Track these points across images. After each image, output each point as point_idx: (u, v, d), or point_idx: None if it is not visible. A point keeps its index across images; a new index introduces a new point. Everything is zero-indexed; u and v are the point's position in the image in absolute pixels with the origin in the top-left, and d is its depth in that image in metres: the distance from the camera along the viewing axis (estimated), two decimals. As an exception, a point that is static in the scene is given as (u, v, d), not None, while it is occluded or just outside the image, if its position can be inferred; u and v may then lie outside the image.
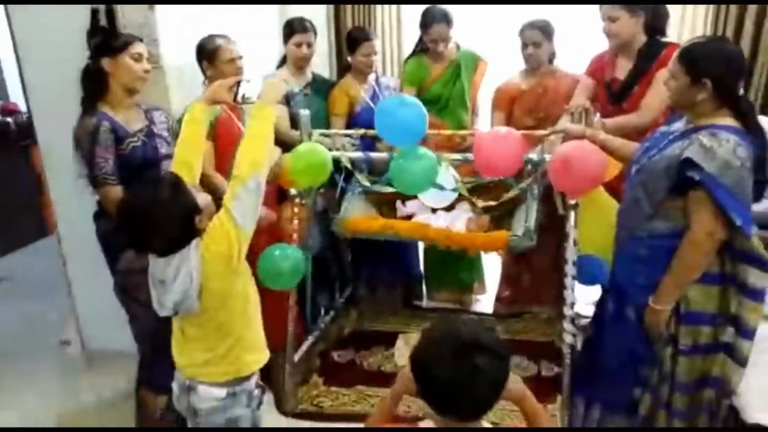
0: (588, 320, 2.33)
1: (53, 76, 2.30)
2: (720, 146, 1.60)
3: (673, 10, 2.83)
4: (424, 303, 3.33)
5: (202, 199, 1.57)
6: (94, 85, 2.01)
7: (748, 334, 1.73)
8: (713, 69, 1.63)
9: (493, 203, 2.44)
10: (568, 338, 2.22)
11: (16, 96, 4.90)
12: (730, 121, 1.66)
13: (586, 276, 2.26)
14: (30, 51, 2.54)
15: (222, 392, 1.55)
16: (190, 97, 2.39)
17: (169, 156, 2.11)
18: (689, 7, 3.13)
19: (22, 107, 4.72)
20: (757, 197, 1.75)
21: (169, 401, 2.19)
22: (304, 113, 2.43)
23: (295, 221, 2.42)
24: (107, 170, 1.96)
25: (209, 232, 1.51)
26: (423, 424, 1.24)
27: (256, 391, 1.67)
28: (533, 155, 2.28)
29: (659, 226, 1.78)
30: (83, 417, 2.58)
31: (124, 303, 2.10)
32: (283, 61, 2.88)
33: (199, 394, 1.55)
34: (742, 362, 1.75)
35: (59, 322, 3.20)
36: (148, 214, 1.44)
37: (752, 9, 3.01)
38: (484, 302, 3.32)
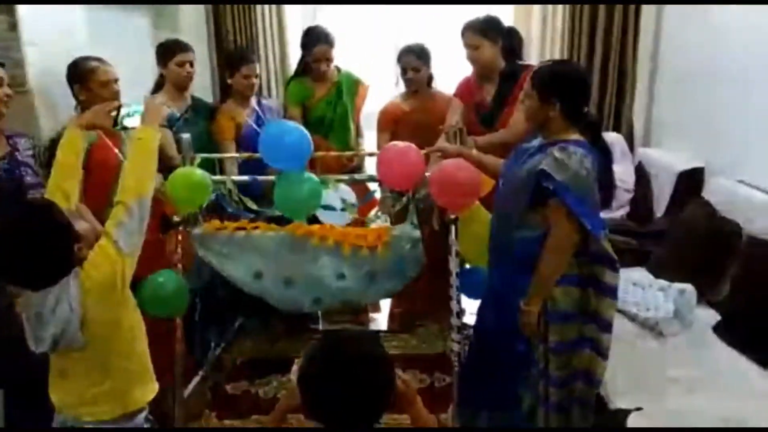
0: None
1: None
2: (570, 159, 1.77)
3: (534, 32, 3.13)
4: (320, 326, 3.32)
5: (82, 226, 1.49)
6: None
7: (607, 327, 1.91)
8: (560, 89, 1.82)
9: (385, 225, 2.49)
10: (455, 347, 2.30)
11: None
12: (577, 136, 1.85)
13: (470, 288, 2.38)
14: None
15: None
16: (60, 123, 2.31)
17: (37, 185, 2.01)
18: (548, 30, 3.44)
19: None
20: (605, 204, 1.95)
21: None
22: (185, 137, 2.40)
23: (179, 250, 2.37)
24: None
25: (90, 259, 1.44)
26: None
27: (146, 425, 1.62)
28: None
29: (526, 233, 1.92)
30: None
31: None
32: (158, 85, 2.81)
33: None
34: (604, 354, 1.93)
35: None
36: (18, 243, 1.34)
37: (599, 35, 3.37)
38: (380, 320, 3.38)
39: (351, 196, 2.49)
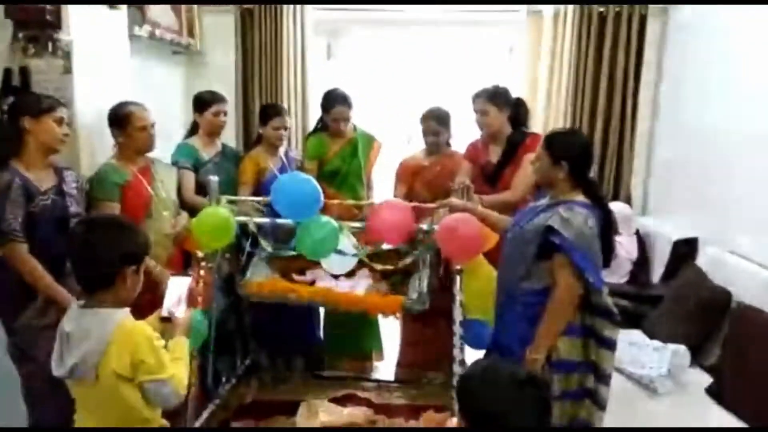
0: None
1: None
2: (575, 218, 1.94)
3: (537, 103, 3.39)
4: (326, 372, 3.36)
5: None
6: (9, 143, 2.05)
7: (605, 379, 2.02)
8: (569, 153, 2.01)
9: (390, 268, 2.64)
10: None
11: None
12: (582, 197, 2.02)
13: (473, 339, 2.47)
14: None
15: None
16: (99, 159, 2.47)
17: (78, 215, 2.16)
18: (553, 100, 3.76)
19: None
20: (606, 262, 2.10)
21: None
22: (213, 179, 2.55)
23: (201, 284, 2.48)
24: (15, 227, 1.97)
25: (129, 334, 1.47)
26: None
27: None
28: (425, 225, 2.54)
29: (532, 285, 2.06)
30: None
31: (21, 364, 2.04)
32: (192, 131, 3.02)
33: None
34: (602, 405, 2.02)
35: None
36: (88, 235, 1.53)
37: (601, 106, 3.69)
38: (383, 369, 3.43)
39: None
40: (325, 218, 2.43)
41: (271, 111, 3.09)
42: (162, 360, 1.49)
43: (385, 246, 2.70)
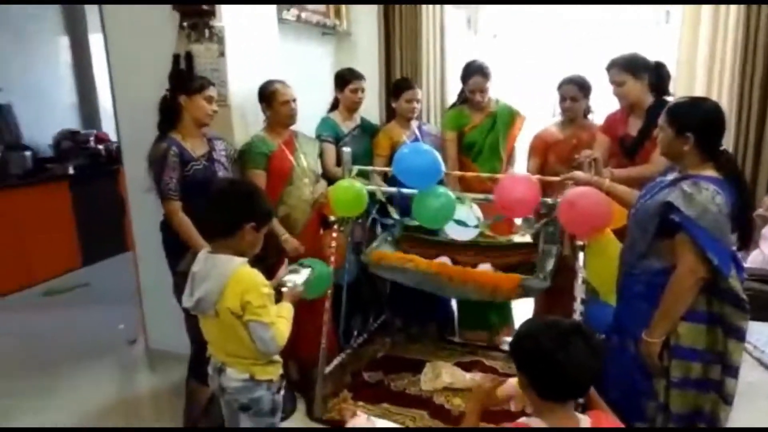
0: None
1: (140, 110, 2.70)
2: (700, 193, 1.77)
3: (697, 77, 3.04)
4: (456, 338, 3.48)
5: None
6: (169, 116, 2.42)
7: (732, 371, 1.84)
8: (694, 123, 1.83)
9: (513, 261, 2.65)
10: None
11: (107, 127, 5.58)
12: (711, 172, 1.83)
13: (594, 319, 2.37)
14: (123, 89, 3.06)
15: (245, 376, 1.78)
16: (250, 131, 2.79)
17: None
18: (715, 73, 3.30)
19: (112, 137, 5.41)
20: (744, 245, 1.89)
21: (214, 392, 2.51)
22: (347, 151, 2.76)
23: (333, 246, 2.71)
24: (171, 187, 2.35)
25: (242, 278, 1.67)
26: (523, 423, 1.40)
27: (274, 396, 1.84)
28: (549, 199, 2.48)
29: (653, 264, 1.93)
30: (139, 406, 2.93)
31: (181, 299, 2.42)
32: (334, 106, 3.25)
33: (227, 375, 1.78)
34: (728, 400, 1.86)
35: (128, 325, 3.64)
36: (224, 188, 1.85)
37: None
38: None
39: (480, 216, 2.66)
40: (442, 188, 2.50)
41: (403, 84, 3.21)
42: (267, 306, 1.71)
43: (504, 238, 2.67)
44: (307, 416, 2.71)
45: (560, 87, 2.99)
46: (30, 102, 5.03)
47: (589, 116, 3.08)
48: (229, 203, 1.74)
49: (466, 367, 3.06)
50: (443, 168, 2.53)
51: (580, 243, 2.34)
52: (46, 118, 5.21)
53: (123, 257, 4.91)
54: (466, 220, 2.61)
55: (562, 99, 2.99)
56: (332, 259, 2.69)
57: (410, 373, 3.05)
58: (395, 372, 3.07)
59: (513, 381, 1.53)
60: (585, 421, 1.38)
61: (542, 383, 1.34)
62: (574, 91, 2.95)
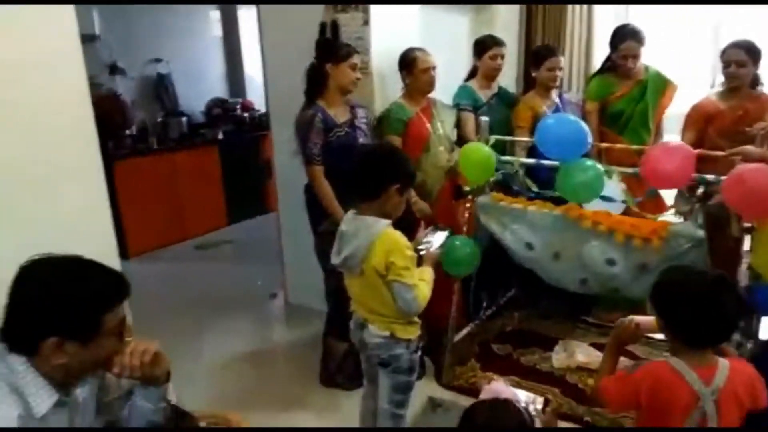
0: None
1: (287, 78, 2.79)
2: None
3: None
4: (591, 319, 3.33)
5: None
6: (316, 83, 2.51)
7: None
8: None
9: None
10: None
11: (251, 95, 5.93)
12: None
13: (763, 305, 2.18)
14: (272, 58, 3.22)
15: (386, 333, 1.83)
16: (389, 100, 2.84)
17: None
18: None
19: (256, 105, 5.76)
20: None
21: (349, 348, 2.63)
22: (484, 120, 2.71)
23: (467, 215, 2.70)
24: (315, 152, 2.45)
25: (388, 239, 1.71)
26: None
27: (416, 337, 1.88)
28: (710, 176, 2.27)
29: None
30: (275, 357, 3.15)
31: (321, 260, 2.55)
32: (472, 74, 3.19)
33: (369, 331, 1.85)
34: None
35: (268, 281, 3.90)
36: (369, 152, 1.95)
37: None
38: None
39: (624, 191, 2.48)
40: (589, 161, 2.37)
41: (545, 52, 3.07)
42: (410, 268, 1.74)
43: (653, 216, 2.46)
44: (435, 381, 2.77)
45: (724, 52, 2.71)
46: (186, 72, 5.46)
47: (758, 87, 2.76)
48: (376, 165, 1.79)
49: (602, 349, 2.93)
50: (590, 139, 2.40)
51: (746, 225, 2.13)
52: (199, 87, 5.64)
53: (263, 218, 5.30)
54: (612, 196, 2.47)
55: (726, 65, 2.71)
56: (465, 229, 2.68)
57: (541, 349, 3.00)
58: (524, 347, 3.04)
59: (651, 320, 1.55)
60: (724, 364, 1.41)
61: (686, 330, 1.40)
62: (741, 55, 2.66)
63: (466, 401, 2.58)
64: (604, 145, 2.66)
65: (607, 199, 2.47)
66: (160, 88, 5.25)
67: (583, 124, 2.38)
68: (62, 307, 1.05)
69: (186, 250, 4.86)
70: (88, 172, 1.89)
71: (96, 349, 1.11)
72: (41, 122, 1.72)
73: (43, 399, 1.08)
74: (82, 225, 1.48)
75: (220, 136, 5.37)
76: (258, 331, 3.48)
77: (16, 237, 1.55)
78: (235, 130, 5.56)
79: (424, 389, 2.63)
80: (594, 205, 2.61)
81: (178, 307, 3.68)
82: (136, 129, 4.95)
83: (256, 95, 5.92)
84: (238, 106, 5.79)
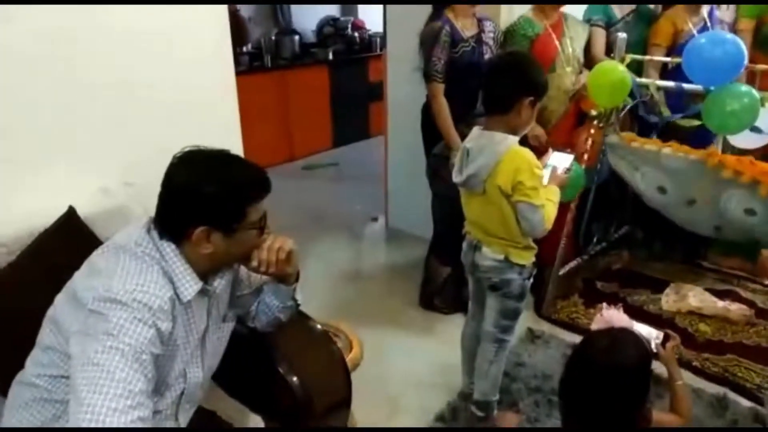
0: None
1: None
2: None
3: None
4: (706, 263, 3.12)
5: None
6: None
7: None
8: None
9: None
10: None
11: (362, 14, 5.81)
12: None
13: None
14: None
15: (501, 257, 1.76)
16: (515, 12, 2.64)
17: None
18: None
19: (367, 24, 5.63)
20: None
21: (451, 272, 2.61)
22: (621, 36, 2.45)
23: (589, 142, 2.51)
24: (438, 68, 2.33)
25: (516, 156, 1.60)
26: None
27: (523, 281, 1.80)
28: None
29: None
30: (377, 278, 3.18)
31: (432, 181, 2.50)
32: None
33: (482, 253, 1.79)
34: None
35: (369, 205, 3.93)
36: (501, 62, 1.83)
37: None
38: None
39: None
40: (744, 87, 2.09)
41: None
42: (537, 188, 1.63)
43: None
44: (536, 313, 2.69)
45: None
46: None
47: None
48: (510, 75, 1.66)
49: (718, 296, 2.75)
50: (746, 62, 2.10)
51: None
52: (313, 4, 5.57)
53: (366, 143, 5.30)
54: (762, 127, 2.19)
55: None
56: (585, 157, 2.50)
57: (649, 291, 2.86)
58: (631, 287, 2.90)
59: None
60: None
61: None
62: None
63: (566, 335, 2.53)
64: (761, 66, 2.31)
65: (756, 130, 2.20)
66: (276, 5, 5.25)
67: (741, 44, 2.08)
68: (210, 196, 1.07)
69: (294, 169, 4.97)
70: (223, 92, 1.92)
71: (239, 241, 1.13)
72: (178, 47, 1.71)
73: (190, 285, 1.11)
74: (216, 142, 1.49)
75: (330, 56, 5.33)
76: (359, 252, 3.53)
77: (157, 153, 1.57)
78: (345, 50, 5.50)
79: (523, 320, 2.56)
80: (736, 138, 2.35)
81: (283, 223, 3.78)
82: (251, 46, 5.01)
83: (366, 14, 5.79)
84: (349, 25, 5.70)
